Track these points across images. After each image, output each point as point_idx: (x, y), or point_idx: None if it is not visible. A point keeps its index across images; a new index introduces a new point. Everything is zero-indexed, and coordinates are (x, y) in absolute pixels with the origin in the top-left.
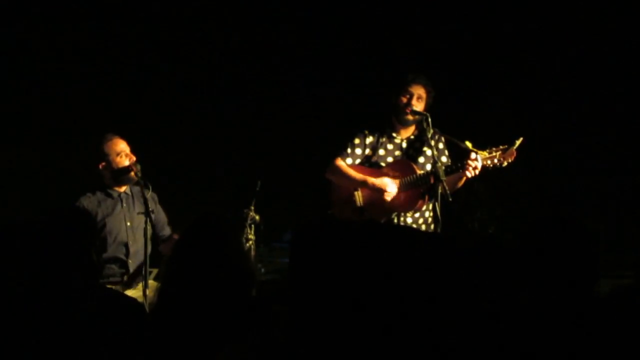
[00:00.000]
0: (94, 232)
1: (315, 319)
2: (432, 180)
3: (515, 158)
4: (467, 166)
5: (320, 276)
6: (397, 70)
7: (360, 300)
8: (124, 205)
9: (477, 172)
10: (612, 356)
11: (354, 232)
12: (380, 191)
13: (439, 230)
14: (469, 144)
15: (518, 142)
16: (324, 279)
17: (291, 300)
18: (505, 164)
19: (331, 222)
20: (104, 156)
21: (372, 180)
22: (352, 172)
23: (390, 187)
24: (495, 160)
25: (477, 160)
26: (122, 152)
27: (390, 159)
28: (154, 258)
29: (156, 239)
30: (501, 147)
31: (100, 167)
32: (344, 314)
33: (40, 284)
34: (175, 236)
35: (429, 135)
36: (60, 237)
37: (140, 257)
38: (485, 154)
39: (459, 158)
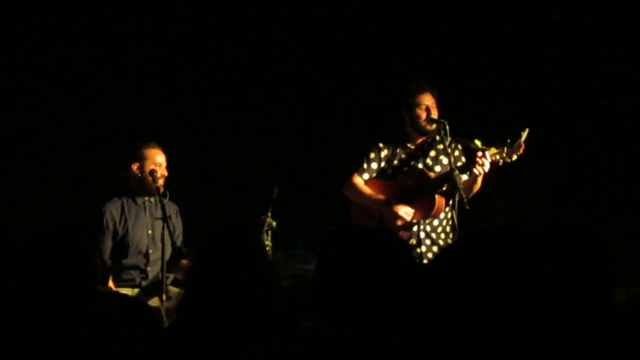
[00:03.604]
0: (96, 236)
1: (340, 322)
2: (446, 186)
3: (524, 151)
4: (475, 163)
5: (348, 279)
6: (397, 79)
7: (386, 305)
8: (147, 213)
9: (485, 168)
10: None
11: (382, 239)
12: (394, 214)
13: (456, 239)
14: (478, 143)
15: (524, 135)
16: (351, 282)
17: (316, 302)
18: (515, 157)
19: (360, 228)
20: (140, 158)
21: (387, 206)
22: (367, 191)
23: (402, 212)
24: (504, 154)
25: (485, 157)
26: (159, 163)
27: (405, 169)
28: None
29: (172, 246)
30: (508, 140)
31: (133, 166)
32: (368, 319)
33: (51, 290)
34: (184, 262)
35: (447, 143)
36: (63, 244)
37: (159, 265)
38: (493, 149)
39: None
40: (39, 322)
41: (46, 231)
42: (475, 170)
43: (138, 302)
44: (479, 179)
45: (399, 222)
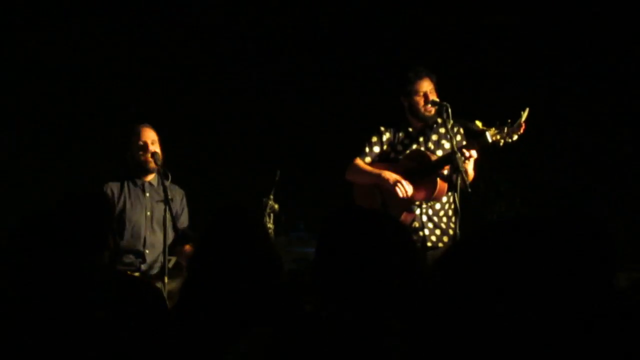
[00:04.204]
0: (111, 214)
1: (341, 304)
2: (447, 169)
3: (524, 131)
4: (462, 155)
5: (348, 262)
6: (398, 62)
7: (386, 287)
8: (147, 195)
9: (471, 159)
10: (632, 350)
11: (382, 221)
12: (394, 184)
13: (458, 221)
14: (478, 124)
15: (525, 114)
16: (352, 264)
17: (316, 285)
18: (515, 137)
19: (361, 210)
20: (133, 142)
21: (386, 174)
22: (368, 168)
23: (403, 183)
24: (505, 134)
25: (484, 137)
26: (151, 141)
27: (407, 152)
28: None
29: (175, 229)
30: (508, 120)
31: (128, 152)
32: (368, 301)
33: (59, 268)
34: (188, 248)
35: (449, 127)
36: (77, 221)
37: (158, 248)
38: (494, 130)
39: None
40: (50, 299)
41: (61, 204)
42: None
43: (146, 284)
44: (470, 169)
45: (397, 192)
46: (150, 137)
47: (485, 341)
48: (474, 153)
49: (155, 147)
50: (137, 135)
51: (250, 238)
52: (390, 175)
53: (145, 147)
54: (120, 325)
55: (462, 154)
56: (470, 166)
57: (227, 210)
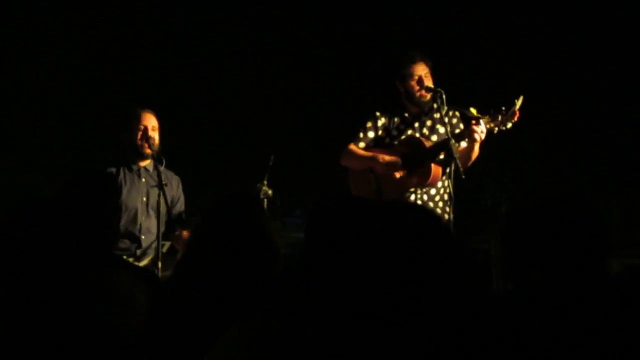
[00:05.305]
0: (114, 196)
1: (328, 291)
2: (442, 154)
3: (519, 118)
4: (473, 132)
5: (335, 250)
6: (394, 48)
7: (374, 276)
8: (143, 180)
9: (482, 135)
10: (623, 336)
11: (370, 209)
12: (389, 167)
13: (452, 208)
14: (473, 110)
15: (519, 102)
16: (338, 252)
17: (304, 272)
18: (509, 125)
19: (347, 197)
20: (129, 125)
21: (381, 156)
22: (362, 153)
23: (398, 166)
24: (499, 122)
25: (481, 125)
26: (150, 126)
27: (402, 138)
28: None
29: (169, 213)
30: (502, 108)
31: (124, 134)
32: (356, 287)
33: (59, 250)
34: (185, 233)
35: (444, 112)
36: (81, 201)
37: (154, 234)
38: (487, 118)
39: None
40: (54, 286)
41: (71, 182)
42: (476, 136)
43: (145, 270)
44: (476, 146)
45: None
46: (150, 122)
47: (480, 323)
48: (483, 128)
49: (154, 133)
50: (138, 119)
51: (250, 226)
52: (384, 158)
53: (144, 131)
54: (122, 312)
55: (474, 131)
56: (476, 146)
57: (231, 198)
